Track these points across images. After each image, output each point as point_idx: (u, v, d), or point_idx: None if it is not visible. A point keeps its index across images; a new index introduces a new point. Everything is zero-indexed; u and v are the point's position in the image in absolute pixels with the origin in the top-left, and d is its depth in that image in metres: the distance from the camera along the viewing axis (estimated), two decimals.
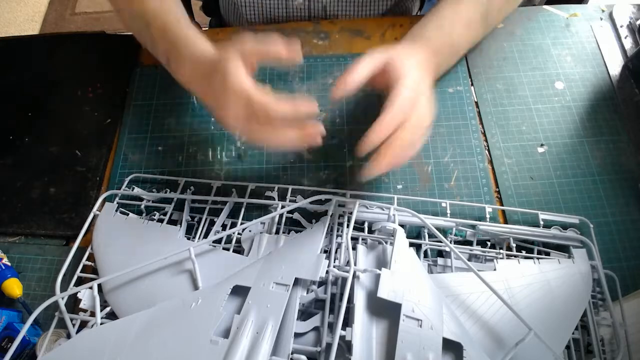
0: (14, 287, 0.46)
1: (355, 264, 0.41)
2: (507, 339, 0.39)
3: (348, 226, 0.44)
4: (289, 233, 0.47)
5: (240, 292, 0.40)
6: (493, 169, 0.53)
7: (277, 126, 0.38)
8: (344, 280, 0.42)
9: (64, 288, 0.43)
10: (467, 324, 0.40)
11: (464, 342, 0.36)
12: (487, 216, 0.47)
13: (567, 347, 0.40)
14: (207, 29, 0.77)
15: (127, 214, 0.49)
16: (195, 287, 0.42)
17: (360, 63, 0.40)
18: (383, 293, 0.37)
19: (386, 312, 0.38)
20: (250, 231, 0.47)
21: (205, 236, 0.47)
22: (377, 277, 0.39)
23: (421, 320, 0.37)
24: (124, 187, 0.52)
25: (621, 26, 0.60)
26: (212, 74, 0.41)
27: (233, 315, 0.38)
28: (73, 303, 0.45)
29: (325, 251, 0.44)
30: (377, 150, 0.39)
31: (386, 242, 0.44)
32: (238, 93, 0.38)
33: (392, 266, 0.40)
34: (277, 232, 0.47)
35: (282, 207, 0.47)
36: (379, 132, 0.38)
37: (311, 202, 0.47)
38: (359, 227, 0.47)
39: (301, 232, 0.46)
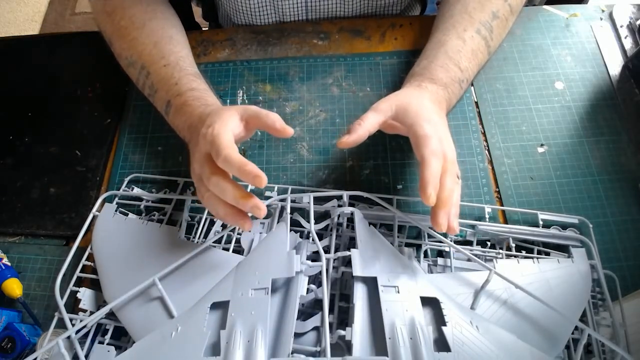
0: (14, 287, 0.46)
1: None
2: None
3: (309, 220, 0.44)
4: None
5: (219, 307, 0.39)
6: (493, 169, 0.53)
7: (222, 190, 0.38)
8: (341, 280, 0.43)
9: (63, 288, 0.43)
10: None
11: (439, 296, 0.39)
12: (487, 216, 0.48)
13: (567, 347, 0.40)
14: (207, 29, 0.77)
15: (127, 214, 0.49)
16: (170, 316, 0.40)
17: (368, 117, 0.41)
18: (358, 271, 0.39)
19: (369, 289, 0.40)
20: (249, 231, 0.46)
21: (205, 236, 0.47)
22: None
23: (397, 287, 0.39)
24: (123, 187, 0.52)
25: (621, 26, 0.60)
26: (198, 124, 0.42)
27: (219, 332, 0.37)
28: (73, 303, 0.45)
29: (326, 251, 0.44)
30: (435, 211, 0.37)
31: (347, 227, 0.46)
32: (207, 138, 0.38)
33: (359, 245, 0.41)
34: None
35: (282, 207, 0.47)
36: (433, 188, 0.36)
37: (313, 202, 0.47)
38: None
39: (265, 237, 0.45)
